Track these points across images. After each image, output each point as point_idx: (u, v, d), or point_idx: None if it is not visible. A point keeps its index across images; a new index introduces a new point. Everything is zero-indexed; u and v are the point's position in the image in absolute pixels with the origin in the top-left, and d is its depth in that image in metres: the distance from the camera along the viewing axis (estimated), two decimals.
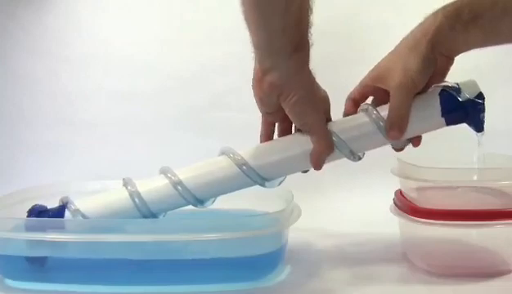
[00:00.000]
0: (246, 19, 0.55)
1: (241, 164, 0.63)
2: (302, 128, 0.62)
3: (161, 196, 0.64)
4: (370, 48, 0.97)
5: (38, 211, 0.65)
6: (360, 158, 0.64)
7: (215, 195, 0.66)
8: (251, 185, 0.64)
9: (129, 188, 0.64)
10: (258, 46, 0.57)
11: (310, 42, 0.57)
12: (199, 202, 0.64)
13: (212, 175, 0.64)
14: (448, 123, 0.63)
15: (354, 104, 0.67)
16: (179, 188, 0.63)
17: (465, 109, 0.62)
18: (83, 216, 0.63)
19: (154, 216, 0.65)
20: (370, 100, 0.67)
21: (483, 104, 0.62)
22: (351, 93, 0.67)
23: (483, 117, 0.62)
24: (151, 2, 1.06)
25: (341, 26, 0.99)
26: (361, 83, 0.67)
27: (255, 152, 0.64)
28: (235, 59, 0.99)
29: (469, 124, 0.63)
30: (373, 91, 0.66)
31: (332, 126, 0.63)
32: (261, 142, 0.67)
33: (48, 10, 1.06)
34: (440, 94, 0.62)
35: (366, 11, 1.01)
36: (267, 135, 0.67)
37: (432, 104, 0.62)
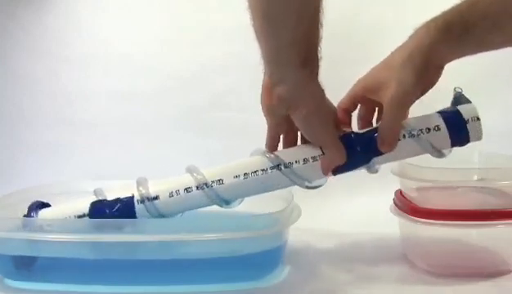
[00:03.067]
0: (256, 31, 0.55)
1: (276, 165, 0.62)
2: (312, 142, 0.62)
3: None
4: (370, 48, 0.97)
5: (36, 207, 0.65)
6: (376, 171, 0.65)
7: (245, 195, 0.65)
8: (288, 186, 0.64)
9: (194, 174, 0.63)
10: (267, 59, 0.57)
11: (319, 55, 0.57)
12: (225, 202, 0.64)
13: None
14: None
15: (346, 113, 0.67)
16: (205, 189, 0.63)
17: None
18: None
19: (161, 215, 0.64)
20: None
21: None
22: (340, 103, 0.67)
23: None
24: (151, 2, 1.06)
25: (341, 27, 0.99)
26: (350, 92, 0.67)
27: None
28: (235, 59, 1.00)
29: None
30: (362, 100, 0.66)
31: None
32: None
33: (48, 10, 1.06)
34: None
35: (366, 11, 1.01)
36: (272, 146, 0.66)
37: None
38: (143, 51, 1.05)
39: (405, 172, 0.71)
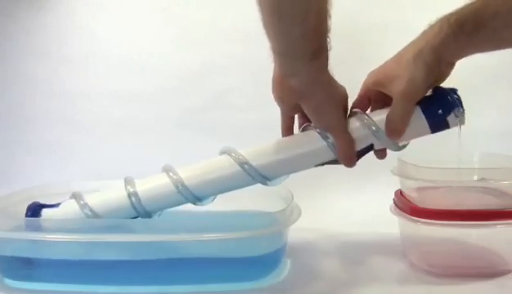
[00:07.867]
0: (265, 25, 0.55)
1: (325, 137, 0.62)
2: (323, 129, 0.63)
3: (161, 195, 0.64)
4: (371, 48, 0.98)
5: (35, 208, 0.65)
6: (404, 146, 0.65)
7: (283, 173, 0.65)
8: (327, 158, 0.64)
9: (128, 187, 0.64)
10: (278, 52, 0.57)
11: (328, 46, 0.57)
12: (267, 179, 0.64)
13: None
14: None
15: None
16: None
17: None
18: (92, 210, 0.63)
19: (149, 215, 0.65)
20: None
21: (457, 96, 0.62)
22: (354, 103, 0.67)
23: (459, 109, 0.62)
24: (151, 2, 1.06)
25: (341, 26, 0.99)
26: (362, 86, 0.67)
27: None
28: (235, 59, 0.99)
29: (448, 112, 0.62)
30: (373, 94, 0.66)
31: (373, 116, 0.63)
32: (283, 135, 0.67)
33: (48, 10, 1.06)
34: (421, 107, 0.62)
35: (366, 11, 1.01)
36: (287, 128, 0.67)
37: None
38: (143, 51, 1.06)
39: (405, 172, 0.71)
